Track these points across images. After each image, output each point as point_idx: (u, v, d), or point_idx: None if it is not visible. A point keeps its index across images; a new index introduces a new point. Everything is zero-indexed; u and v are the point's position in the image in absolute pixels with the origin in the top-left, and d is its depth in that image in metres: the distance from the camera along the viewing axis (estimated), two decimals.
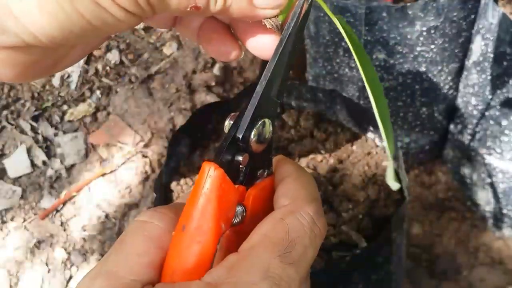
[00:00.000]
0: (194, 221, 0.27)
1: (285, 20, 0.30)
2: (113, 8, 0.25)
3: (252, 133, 0.30)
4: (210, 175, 0.28)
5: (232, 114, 0.31)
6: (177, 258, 0.27)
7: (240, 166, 0.29)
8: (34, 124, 1.22)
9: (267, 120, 0.30)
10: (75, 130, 1.21)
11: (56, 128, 1.22)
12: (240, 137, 0.29)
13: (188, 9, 0.26)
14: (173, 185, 0.64)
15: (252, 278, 0.25)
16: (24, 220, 1.09)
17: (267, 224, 0.28)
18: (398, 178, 0.61)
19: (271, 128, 0.31)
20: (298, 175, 0.32)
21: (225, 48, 0.32)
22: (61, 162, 1.16)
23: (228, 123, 0.30)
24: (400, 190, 0.63)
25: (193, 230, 0.27)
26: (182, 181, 0.64)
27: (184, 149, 0.69)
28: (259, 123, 0.30)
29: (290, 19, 0.30)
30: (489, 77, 0.77)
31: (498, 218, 0.94)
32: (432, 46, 0.80)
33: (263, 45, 0.31)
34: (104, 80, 1.27)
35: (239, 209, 0.30)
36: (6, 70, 0.27)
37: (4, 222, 1.09)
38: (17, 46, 0.26)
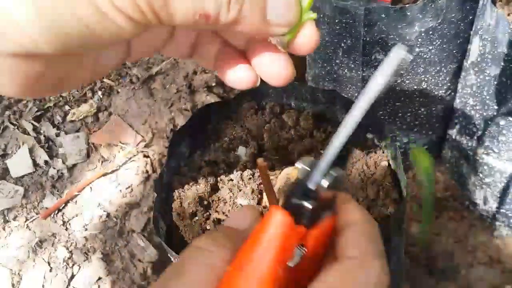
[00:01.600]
0: (253, 263, 0.27)
1: (291, 39, 0.29)
2: (114, 13, 0.24)
3: (324, 183, 0.29)
4: (277, 221, 0.28)
5: (305, 157, 0.31)
6: None
7: (306, 211, 0.29)
8: (36, 124, 1.22)
9: (340, 170, 0.30)
10: (77, 130, 1.22)
11: (58, 128, 1.22)
12: (314, 188, 0.29)
13: (197, 18, 0.25)
14: (174, 184, 0.65)
15: None
16: (26, 220, 1.10)
17: (334, 275, 0.27)
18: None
19: (341, 177, 0.30)
20: (366, 224, 0.30)
21: (241, 74, 0.32)
22: (63, 162, 1.17)
23: (301, 167, 0.30)
24: (399, 190, 0.63)
25: (251, 272, 0.27)
26: (183, 181, 0.65)
27: (185, 149, 0.69)
28: (334, 173, 0.30)
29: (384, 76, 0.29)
30: (487, 78, 0.78)
31: (496, 218, 0.95)
32: (431, 47, 0.80)
33: (275, 73, 0.31)
34: (106, 80, 1.27)
35: (298, 251, 0.30)
36: (9, 82, 0.27)
37: (6, 222, 1.10)
38: (18, 53, 0.25)
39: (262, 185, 0.64)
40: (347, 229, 0.30)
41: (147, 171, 1.13)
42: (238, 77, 0.32)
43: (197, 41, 0.34)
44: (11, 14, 0.23)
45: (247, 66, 0.32)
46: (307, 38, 0.29)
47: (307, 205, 0.29)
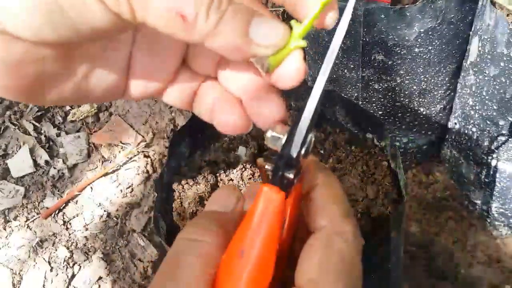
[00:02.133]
0: (255, 247, 0.26)
1: (274, 66, 0.27)
2: None
3: (303, 150, 0.28)
4: (272, 199, 0.27)
5: (276, 124, 0.29)
6: (234, 284, 0.26)
7: (289, 181, 0.28)
8: (37, 124, 1.23)
9: (312, 135, 0.29)
10: (78, 130, 1.22)
11: (58, 128, 1.23)
12: (295, 156, 0.28)
13: (173, 15, 0.23)
14: (174, 184, 0.65)
15: None
16: (27, 219, 1.10)
17: (318, 252, 0.27)
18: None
19: (313, 141, 0.29)
20: (328, 184, 0.30)
21: (231, 118, 0.30)
22: (64, 162, 1.17)
23: (272, 136, 0.29)
24: (398, 189, 0.63)
25: (255, 256, 0.26)
26: (183, 181, 0.65)
27: (185, 149, 0.69)
28: (309, 139, 0.29)
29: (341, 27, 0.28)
30: (486, 78, 0.78)
31: (495, 217, 0.95)
32: (430, 47, 0.80)
33: (268, 117, 0.29)
34: None
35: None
36: None
37: (7, 221, 1.10)
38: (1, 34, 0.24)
39: None
40: (312, 194, 0.30)
41: (147, 171, 1.13)
42: (232, 124, 0.30)
43: (199, 89, 0.32)
44: None
45: (241, 113, 0.30)
46: (292, 70, 0.27)
47: (290, 175, 0.28)
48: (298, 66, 0.27)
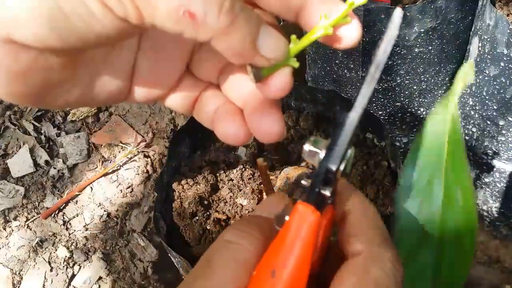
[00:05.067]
0: (288, 267, 0.25)
1: (266, 77, 0.27)
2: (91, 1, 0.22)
3: (342, 166, 0.27)
4: (307, 219, 0.26)
5: (313, 138, 0.28)
6: None
7: (325, 199, 0.27)
8: (37, 124, 1.23)
9: (352, 150, 0.28)
10: (78, 130, 1.22)
11: (58, 128, 1.23)
12: (334, 171, 0.27)
13: (181, 14, 0.23)
14: (174, 184, 0.65)
15: None
16: (27, 219, 1.10)
17: (352, 278, 0.26)
18: None
19: (352, 157, 0.28)
20: (364, 210, 0.29)
21: (232, 128, 0.30)
22: (64, 162, 1.17)
23: (310, 150, 0.27)
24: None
25: (287, 277, 0.25)
26: (183, 181, 0.65)
27: (185, 149, 0.69)
28: (348, 154, 0.27)
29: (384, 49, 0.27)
30: (486, 78, 0.78)
31: (495, 217, 0.95)
32: (430, 47, 0.81)
33: (268, 131, 0.29)
34: None
35: None
36: None
37: (7, 221, 1.10)
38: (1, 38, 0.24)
39: (262, 185, 0.64)
40: (348, 217, 0.29)
41: (147, 171, 1.14)
42: (232, 134, 0.30)
43: (201, 96, 0.33)
44: None
45: (242, 124, 0.30)
46: (280, 84, 0.28)
47: (326, 193, 0.27)
48: (287, 81, 0.28)
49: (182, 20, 0.23)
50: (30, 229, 1.09)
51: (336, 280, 0.26)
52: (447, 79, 0.89)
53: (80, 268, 1.04)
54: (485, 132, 0.85)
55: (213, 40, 0.24)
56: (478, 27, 0.78)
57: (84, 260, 1.04)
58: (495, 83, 0.76)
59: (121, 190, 1.12)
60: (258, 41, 0.25)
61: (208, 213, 0.63)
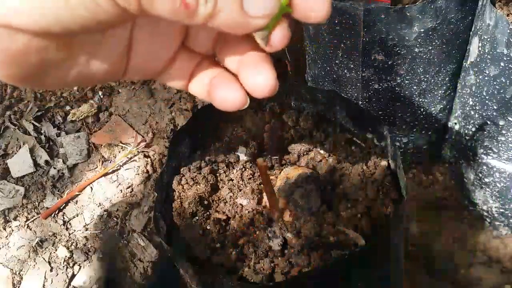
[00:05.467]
0: None
1: (271, 31, 0.29)
2: None
3: None
4: None
5: None
6: None
7: None
8: (37, 124, 1.23)
9: None
10: (78, 130, 1.22)
11: (58, 128, 1.23)
12: None
13: (177, 5, 0.25)
14: (174, 184, 0.65)
15: None
16: (27, 219, 1.10)
17: None
18: None
19: None
20: None
21: (229, 93, 0.32)
22: (64, 162, 1.17)
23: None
24: (398, 189, 0.63)
25: None
26: (183, 181, 0.65)
27: (185, 149, 0.69)
28: None
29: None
30: (486, 78, 0.78)
31: (495, 217, 0.95)
32: (430, 47, 0.81)
33: (260, 84, 0.31)
34: None
35: None
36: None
37: (7, 221, 1.10)
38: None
39: (262, 185, 0.64)
40: None
41: (147, 171, 1.14)
42: (231, 99, 0.32)
43: (195, 69, 0.34)
44: None
45: (239, 88, 0.32)
46: (280, 37, 0.29)
47: None
48: (284, 33, 0.29)
49: (178, 10, 0.25)
50: (30, 229, 1.09)
51: None
52: (447, 79, 0.89)
53: (80, 268, 1.03)
54: (485, 132, 0.85)
55: (209, 23, 0.26)
56: (478, 27, 0.78)
57: (84, 260, 1.04)
58: (495, 83, 0.76)
59: (121, 190, 1.11)
60: (244, 6, 0.26)
61: (208, 213, 0.63)
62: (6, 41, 0.25)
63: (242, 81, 0.32)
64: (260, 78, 0.31)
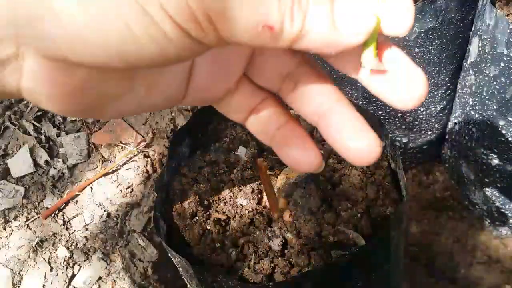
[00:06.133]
0: None
1: (375, 51, 0.24)
2: (162, 18, 0.20)
3: None
4: None
5: None
6: None
7: None
8: (37, 124, 1.23)
9: None
10: (78, 130, 1.22)
11: (58, 128, 1.23)
12: None
13: (259, 30, 0.21)
14: (174, 184, 0.65)
15: None
16: (27, 219, 1.10)
17: None
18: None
19: None
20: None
21: (304, 155, 0.28)
22: (64, 162, 1.17)
23: None
24: (398, 189, 0.63)
25: None
26: (183, 180, 0.65)
27: (185, 149, 0.69)
28: None
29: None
30: (486, 78, 0.78)
31: (495, 217, 0.95)
32: (430, 47, 0.81)
33: (363, 151, 0.26)
34: None
35: None
36: (49, 91, 0.23)
37: (7, 221, 1.10)
38: (59, 57, 0.22)
39: (262, 185, 0.64)
40: None
41: (147, 171, 1.14)
42: (300, 157, 0.28)
43: (258, 107, 0.30)
44: (52, 4, 0.20)
45: (312, 145, 0.28)
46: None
47: None
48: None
49: (261, 35, 0.22)
50: (30, 229, 1.09)
51: None
52: (447, 79, 0.89)
53: (80, 268, 1.04)
54: (485, 132, 0.85)
55: (295, 45, 0.23)
56: (478, 27, 0.78)
57: (84, 260, 1.04)
58: (495, 83, 0.76)
59: (121, 190, 1.11)
60: (336, 22, 0.22)
61: (208, 213, 0.63)
62: (63, 75, 0.23)
63: (331, 141, 0.27)
64: (362, 143, 0.26)
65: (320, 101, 0.27)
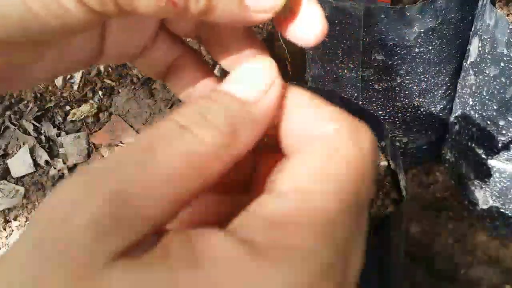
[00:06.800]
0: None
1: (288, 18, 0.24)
2: None
3: None
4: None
5: None
6: None
7: None
8: (37, 124, 1.23)
9: None
10: (78, 130, 1.22)
11: (58, 128, 1.23)
12: None
13: (163, 5, 0.21)
14: None
15: (312, 246, 0.18)
16: (27, 220, 1.10)
17: (316, 156, 0.20)
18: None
19: None
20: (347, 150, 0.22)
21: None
22: (64, 162, 1.17)
23: None
24: (398, 189, 0.63)
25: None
26: None
27: None
28: None
29: None
30: (486, 78, 0.78)
31: (495, 218, 0.95)
32: (430, 47, 0.81)
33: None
34: (106, 81, 1.28)
35: None
36: None
37: (7, 222, 1.10)
38: None
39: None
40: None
41: None
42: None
43: (176, 64, 0.30)
44: None
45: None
46: (311, 29, 0.24)
47: None
48: (319, 23, 0.24)
49: (165, 9, 0.21)
50: None
51: (294, 160, 0.20)
52: (447, 79, 0.89)
53: None
54: (485, 132, 0.85)
55: (203, 19, 0.22)
56: (478, 27, 0.78)
57: None
58: (495, 83, 0.76)
59: None
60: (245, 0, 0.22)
61: None
62: None
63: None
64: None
65: (229, 42, 0.27)
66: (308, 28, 0.24)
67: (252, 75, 0.22)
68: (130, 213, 0.17)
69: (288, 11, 0.24)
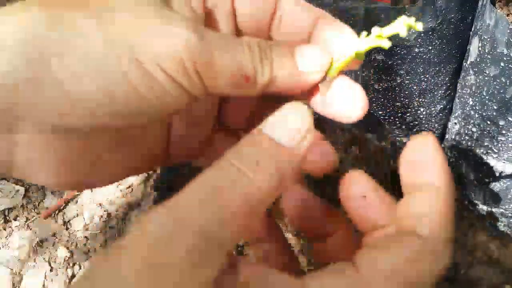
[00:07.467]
0: None
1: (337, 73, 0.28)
2: (160, 74, 0.23)
3: None
4: None
5: None
6: None
7: None
8: None
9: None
10: None
11: None
12: None
13: (238, 79, 0.25)
14: (175, 184, 0.65)
15: None
16: (27, 219, 1.10)
17: (398, 253, 0.26)
18: None
19: None
20: (447, 193, 0.32)
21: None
22: None
23: None
24: (399, 190, 0.63)
25: None
26: (183, 180, 0.65)
27: None
28: None
29: None
30: (486, 78, 0.78)
31: (495, 218, 0.95)
32: (430, 47, 0.81)
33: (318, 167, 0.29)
34: None
35: None
36: (46, 163, 0.24)
37: (7, 221, 1.10)
38: (61, 127, 0.23)
39: None
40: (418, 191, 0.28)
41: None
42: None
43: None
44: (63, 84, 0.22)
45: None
46: (350, 104, 0.29)
47: None
48: (359, 99, 0.30)
49: (240, 84, 0.25)
50: (30, 229, 1.09)
51: (379, 245, 0.26)
52: (447, 79, 0.89)
53: (80, 268, 1.03)
54: (485, 132, 0.85)
55: (267, 90, 0.26)
56: (478, 27, 0.78)
57: (84, 260, 1.04)
58: (495, 83, 0.76)
59: (121, 190, 1.11)
60: (299, 66, 0.26)
61: None
62: (58, 144, 0.24)
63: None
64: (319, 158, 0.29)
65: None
66: (350, 104, 0.29)
67: (291, 121, 0.26)
68: (214, 247, 0.21)
69: (331, 78, 0.29)
